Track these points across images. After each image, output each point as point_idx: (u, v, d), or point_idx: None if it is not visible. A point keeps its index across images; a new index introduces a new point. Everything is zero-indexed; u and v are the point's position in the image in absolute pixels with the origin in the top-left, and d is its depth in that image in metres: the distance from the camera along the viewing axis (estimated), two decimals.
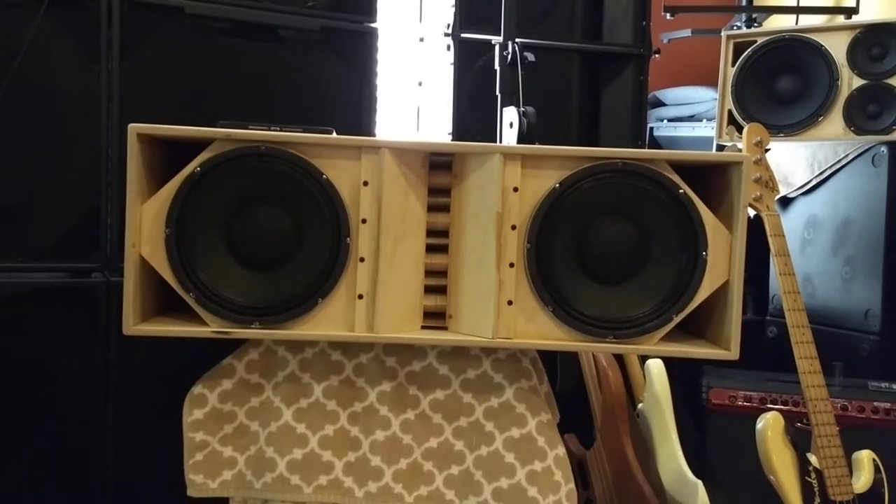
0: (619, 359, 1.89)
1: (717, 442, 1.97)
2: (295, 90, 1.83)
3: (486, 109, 1.85)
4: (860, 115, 2.16)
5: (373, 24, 1.91)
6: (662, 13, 2.92)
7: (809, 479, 1.63)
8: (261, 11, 1.79)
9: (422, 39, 2.36)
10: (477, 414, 1.39)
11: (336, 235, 1.28)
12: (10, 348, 1.56)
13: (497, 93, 1.75)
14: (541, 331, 1.31)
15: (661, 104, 3.21)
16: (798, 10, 2.98)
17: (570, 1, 2.35)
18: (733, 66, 2.28)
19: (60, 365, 1.59)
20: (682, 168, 1.29)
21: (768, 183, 1.83)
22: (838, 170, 2.28)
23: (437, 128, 2.26)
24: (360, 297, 1.29)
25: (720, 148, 2.33)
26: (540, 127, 1.69)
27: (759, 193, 1.80)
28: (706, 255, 1.28)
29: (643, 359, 1.91)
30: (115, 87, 1.63)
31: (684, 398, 1.94)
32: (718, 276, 1.30)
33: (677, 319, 1.29)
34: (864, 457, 1.69)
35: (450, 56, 2.16)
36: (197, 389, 1.39)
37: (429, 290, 1.36)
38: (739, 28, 3.01)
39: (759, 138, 1.85)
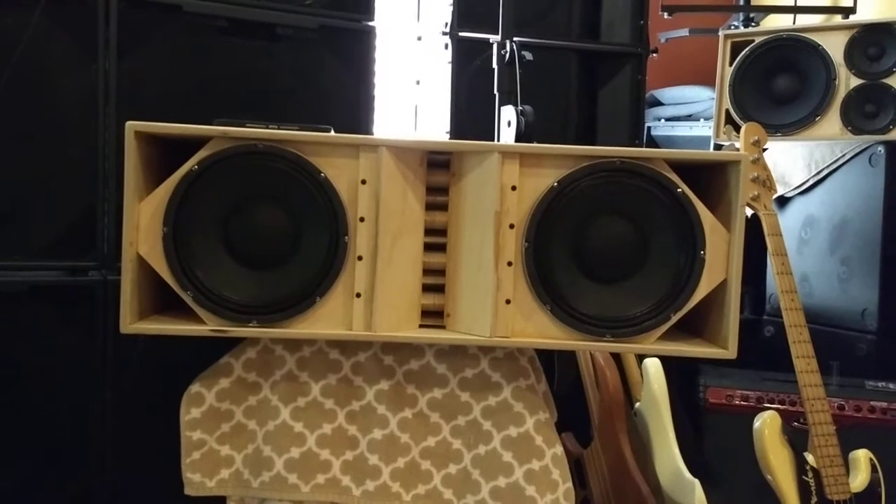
0: (617, 358, 1.89)
1: (714, 441, 1.97)
2: (293, 88, 1.83)
3: (484, 108, 1.85)
4: (857, 115, 2.16)
5: (371, 23, 1.90)
6: (660, 12, 2.92)
7: (806, 479, 1.64)
8: (259, 10, 1.78)
9: (420, 38, 2.37)
10: (475, 413, 1.39)
11: (334, 234, 1.28)
12: (6, 347, 1.56)
13: (495, 91, 1.75)
14: (539, 330, 1.31)
15: (658, 103, 3.21)
16: (795, 9, 2.98)
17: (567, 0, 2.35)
18: (731, 65, 2.28)
19: (57, 364, 1.59)
20: (680, 167, 1.29)
21: (766, 182, 1.83)
22: (835, 169, 2.28)
23: (435, 126, 2.26)
24: (358, 295, 1.29)
25: (718, 147, 2.33)
26: (537, 125, 1.69)
27: (756, 193, 1.80)
28: (704, 254, 1.28)
29: (641, 358, 1.91)
30: (113, 85, 1.63)
31: (681, 397, 1.95)
32: (716, 275, 1.30)
33: (675, 318, 1.29)
34: (861, 456, 1.69)
35: (448, 55, 2.16)
36: (194, 388, 1.39)
37: (427, 288, 1.36)
38: (737, 27, 3.02)
39: (756, 138, 1.85)
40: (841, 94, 2.17)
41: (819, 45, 2.18)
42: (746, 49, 2.26)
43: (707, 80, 2.74)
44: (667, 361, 1.83)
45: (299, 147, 1.27)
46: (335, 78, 1.87)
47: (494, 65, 1.76)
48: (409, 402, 1.40)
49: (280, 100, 1.81)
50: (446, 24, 2.15)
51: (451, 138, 2.13)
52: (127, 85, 1.64)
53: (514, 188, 1.28)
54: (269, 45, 1.80)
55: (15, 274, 1.57)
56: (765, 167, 1.84)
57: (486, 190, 1.29)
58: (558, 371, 1.98)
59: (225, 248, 1.29)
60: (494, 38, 1.76)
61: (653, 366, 1.82)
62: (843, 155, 2.25)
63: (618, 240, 1.30)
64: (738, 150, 1.91)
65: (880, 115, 2.14)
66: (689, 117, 3.09)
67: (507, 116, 1.70)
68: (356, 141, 1.29)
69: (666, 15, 2.96)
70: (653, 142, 3.13)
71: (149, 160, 1.28)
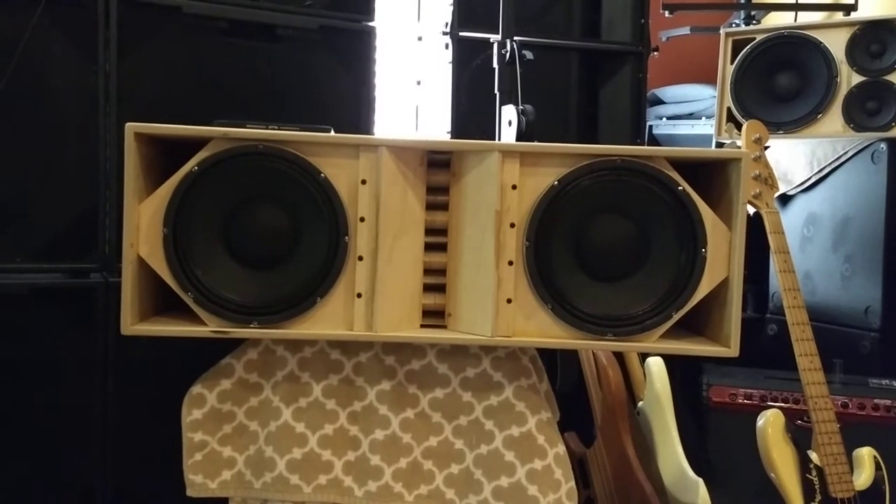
0: (619, 357, 1.88)
1: (717, 440, 1.97)
2: (293, 89, 1.83)
3: (484, 108, 1.85)
4: (859, 112, 2.16)
5: (371, 23, 1.90)
6: (661, 11, 2.92)
7: (810, 477, 1.63)
8: (259, 11, 1.78)
9: (420, 38, 2.36)
10: (476, 412, 1.39)
11: (334, 234, 1.28)
12: (8, 349, 1.56)
13: (496, 91, 1.75)
14: (540, 329, 1.31)
15: (660, 102, 3.21)
16: (797, 6, 2.97)
17: None
18: (732, 63, 2.28)
19: (59, 365, 1.59)
20: (681, 165, 1.29)
21: (767, 180, 1.82)
22: (838, 167, 2.28)
23: (435, 126, 2.25)
24: (359, 295, 1.29)
25: (719, 145, 2.33)
26: (538, 125, 1.69)
27: (758, 190, 1.80)
28: (705, 252, 1.27)
29: (643, 356, 1.91)
30: (113, 86, 1.63)
31: (684, 396, 1.94)
32: (718, 274, 1.29)
33: (677, 317, 1.29)
34: (865, 454, 1.69)
35: (448, 54, 2.16)
36: (196, 389, 1.38)
37: (428, 288, 1.36)
38: (738, 25, 3.01)
39: (758, 135, 1.84)
40: (843, 91, 2.16)
41: (821, 43, 2.18)
42: (748, 47, 2.25)
43: (708, 78, 2.73)
44: (670, 360, 1.83)
45: (299, 147, 1.27)
46: (335, 78, 1.87)
47: (495, 64, 1.75)
48: (411, 402, 1.39)
49: (280, 100, 1.81)
50: (446, 23, 2.14)
51: (451, 138, 2.12)
52: (127, 86, 1.65)
53: (514, 187, 1.28)
54: (269, 46, 1.80)
55: (16, 276, 1.57)
56: (766, 165, 1.84)
57: (487, 189, 1.29)
58: (561, 370, 1.98)
59: (225, 249, 1.29)
60: (495, 38, 1.75)
61: (656, 364, 1.82)
62: (846, 152, 2.25)
63: (619, 238, 1.30)
64: (739, 147, 1.90)
65: (882, 112, 2.14)
66: (690, 115, 3.09)
67: (508, 116, 1.70)
68: (356, 141, 1.29)
69: (667, 13, 2.95)
70: (654, 140, 3.13)
71: (149, 161, 1.28)
